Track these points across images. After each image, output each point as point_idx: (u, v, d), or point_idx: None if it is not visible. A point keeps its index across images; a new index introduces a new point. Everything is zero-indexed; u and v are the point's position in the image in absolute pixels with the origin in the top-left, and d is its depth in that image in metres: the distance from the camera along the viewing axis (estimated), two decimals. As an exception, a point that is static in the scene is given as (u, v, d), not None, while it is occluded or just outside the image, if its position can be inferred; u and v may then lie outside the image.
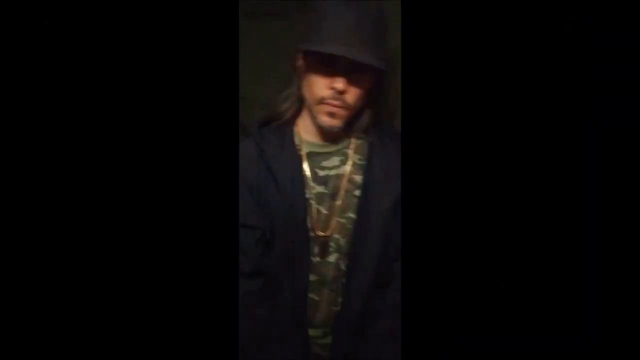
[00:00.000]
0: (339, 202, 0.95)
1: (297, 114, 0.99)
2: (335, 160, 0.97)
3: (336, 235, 0.94)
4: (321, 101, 0.91)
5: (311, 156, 0.97)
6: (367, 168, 0.96)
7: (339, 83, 0.88)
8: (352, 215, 0.94)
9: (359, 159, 0.97)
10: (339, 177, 0.96)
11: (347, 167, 0.97)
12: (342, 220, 0.94)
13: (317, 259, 0.94)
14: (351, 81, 0.89)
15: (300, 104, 0.97)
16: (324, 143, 0.98)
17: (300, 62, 0.94)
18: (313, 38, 0.88)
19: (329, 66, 0.88)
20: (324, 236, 0.93)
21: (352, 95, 0.90)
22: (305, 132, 0.98)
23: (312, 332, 0.96)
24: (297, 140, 0.98)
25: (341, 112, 0.91)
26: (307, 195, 0.94)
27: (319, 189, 0.95)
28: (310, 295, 0.95)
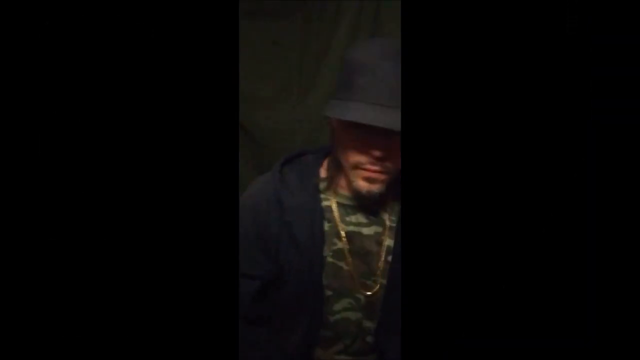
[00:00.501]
0: (364, 265, 0.85)
1: (328, 154, 0.87)
2: (360, 217, 0.86)
3: (359, 295, 0.86)
4: (357, 167, 0.80)
5: (338, 208, 0.86)
6: (397, 229, 0.86)
7: (377, 150, 0.77)
8: (382, 281, 0.86)
9: (392, 220, 0.87)
10: (366, 236, 0.86)
11: (377, 228, 0.86)
12: (377, 286, 0.85)
13: (339, 317, 0.86)
14: (392, 146, 0.77)
15: (337, 166, 0.84)
16: (354, 200, 0.86)
17: (331, 122, 0.83)
18: (342, 97, 0.77)
19: (362, 128, 0.75)
20: (369, 295, 0.84)
21: (394, 160, 0.78)
22: (336, 186, 0.86)
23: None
24: (322, 187, 0.86)
25: (382, 177, 0.80)
26: (327, 253, 0.84)
27: (340, 245, 0.85)
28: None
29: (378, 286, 0.85)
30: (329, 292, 0.85)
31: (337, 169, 0.85)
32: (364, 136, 0.77)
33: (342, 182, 0.87)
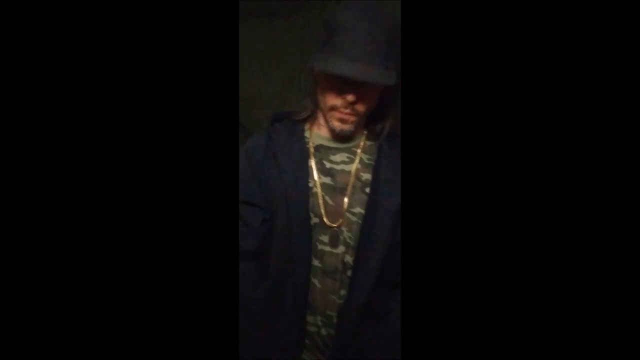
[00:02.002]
0: (346, 197, 0.97)
1: (311, 115, 1.04)
2: (343, 156, 1.01)
3: (344, 228, 0.96)
4: (333, 109, 0.96)
5: (319, 149, 1.01)
6: (375, 167, 1.00)
7: (350, 96, 0.92)
8: (360, 210, 0.97)
9: (368, 159, 1.01)
10: (345, 172, 1.00)
11: (355, 165, 1.00)
12: (350, 215, 0.96)
13: (325, 247, 0.96)
14: (362, 93, 0.94)
15: (315, 107, 1.02)
16: (334, 141, 1.02)
17: (314, 72, 0.97)
18: (323, 52, 0.92)
19: (339, 78, 0.91)
20: (333, 226, 0.96)
21: (363, 105, 0.95)
22: (317, 129, 1.03)
23: (310, 318, 0.97)
24: (307, 135, 1.03)
25: (352, 118, 0.96)
26: (311, 184, 0.97)
27: (325, 179, 0.99)
28: (313, 280, 0.96)
29: (355, 217, 0.98)
30: (315, 220, 0.97)
31: (317, 111, 1.02)
32: (340, 85, 0.93)
33: (323, 126, 1.02)
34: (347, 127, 0.97)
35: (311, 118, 1.04)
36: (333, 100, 0.94)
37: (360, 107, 0.95)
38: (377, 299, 0.96)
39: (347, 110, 0.95)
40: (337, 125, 0.97)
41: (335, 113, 0.96)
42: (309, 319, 0.97)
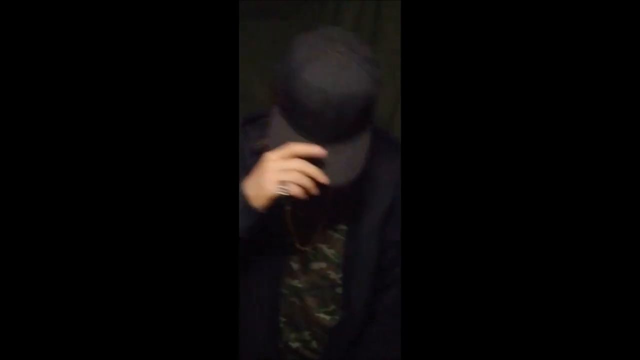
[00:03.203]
0: (321, 210, 0.90)
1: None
2: None
3: (323, 245, 0.92)
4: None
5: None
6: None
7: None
8: (338, 224, 0.92)
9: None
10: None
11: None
12: (328, 230, 0.92)
13: (298, 265, 0.92)
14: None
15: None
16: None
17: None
18: (287, 118, 0.79)
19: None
20: (303, 250, 0.91)
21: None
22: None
23: (293, 335, 0.95)
24: None
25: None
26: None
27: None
28: (292, 299, 0.93)
29: (339, 235, 0.92)
30: (288, 239, 0.90)
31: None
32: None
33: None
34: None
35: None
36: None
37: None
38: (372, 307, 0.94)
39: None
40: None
41: None
42: (292, 335, 0.94)
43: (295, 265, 0.92)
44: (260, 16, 1.40)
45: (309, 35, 0.79)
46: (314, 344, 0.95)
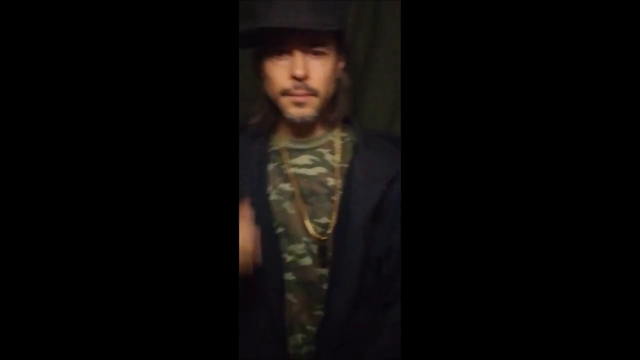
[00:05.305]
0: (309, 205, 0.89)
1: (274, 122, 0.93)
2: (305, 159, 0.92)
3: (306, 239, 0.89)
4: (284, 93, 0.85)
5: (281, 152, 0.92)
6: (348, 171, 0.90)
7: (298, 69, 0.82)
8: (325, 220, 0.89)
9: (336, 161, 0.92)
10: (309, 177, 0.91)
11: (319, 169, 0.91)
12: (313, 225, 0.89)
13: (298, 259, 0.89)
14: (311, 64, 0.84)
15: (272, 108, 0.90)
16: (298, 141, 0.92)
17: (255, 60, 0.88)
18: (257, 14, 0.83)
19: (282, 52, 0.83)
20: (320, 240, 0.88)
21: (316, 79, 0.85)
22: (283, 129, 0.93)
23: (289, 339, 0.90)
24: (273, 137, 0.93)
25: (309, 99, 0.85)
26: (270, 191, 0.89)
27: (285, 187, 0.90)
28: (287, 295, 0.89)
29: (320, 228, 0.89)
30: (280, 230, 0.89)
31: (273, 110, 0.91)
32: (283, 57, 0.83)
33: (283, 126, 0.92)
34: (307, 112, 0.85)
35: (275, 125, 0.93)
36: (281, 83, 0.84)
37: (314, 83, 0.84)
38: (362, 319, 0.89)
39: (301, 91, 0.84)
40: (294, 112, 0.85)
41: (288, 98, 0.85)
42: (289, 339, 0.89)
43: (289, 258, 0.89)
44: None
45: None
46: (304, 349, 0.90)
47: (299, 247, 0.90)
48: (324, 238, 0.88)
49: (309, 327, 0.89)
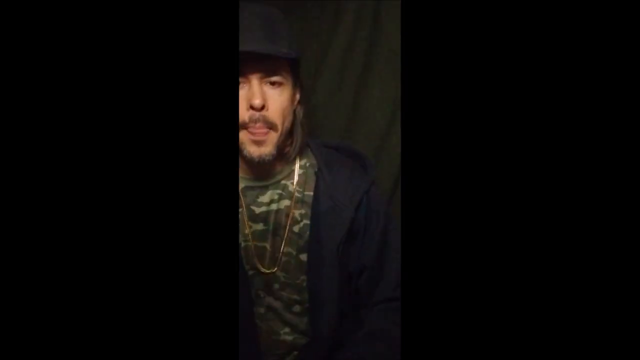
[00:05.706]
0: (279, 239, 0.92)
1: None
2: (272, 195, 0.93)
3: (279, 273, 0.92)
4: (243, 127, 0.84)
5: (245, 193, 0.92)
6: (314, 200, 0.92)
7: (256, 98, 0.82)
8: (292, 251, 0.92)
9: (301, 191, 0.93)
10: (279, 212, 0.92)
11: (286, 202, 0.92)
12: (285, 258, 0.92)
13: (263, 294, 0.93)
14: (268, 93, 0.84)
15: None
16: (258, 179, 0.92)
17: None
18: None
19: (241, 79, 0.83)
20: (267, 272, 0.91)
21: (274, 110, 0.84)
22: (240, 170, 0.92)
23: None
24: None
25: (268, 137, 0.85)
26: (243, 236, 0.90)
27: (258, 227, 0.92)
28: (260, 324, 0.93)
29: (292, 260, 0.91)
30: (250, 272, 0.91)
31: None
32: (242, 89, 0.83)
33: (243, 164, 0.91)
34: (266, 150, 0.85)
35: None
36: (240, 115, 0.83)
37: (272, 115, 0.84)
38: (344, 334, 0.93)
39: (259, 124, 0.83)
40: (253, 150, 0.85)
41: (246, 134, 0.84)
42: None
43: (261, 295, 0.92)
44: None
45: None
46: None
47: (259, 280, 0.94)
48: (269, 272, 0.91)
49: (280, 351, 0.93)
